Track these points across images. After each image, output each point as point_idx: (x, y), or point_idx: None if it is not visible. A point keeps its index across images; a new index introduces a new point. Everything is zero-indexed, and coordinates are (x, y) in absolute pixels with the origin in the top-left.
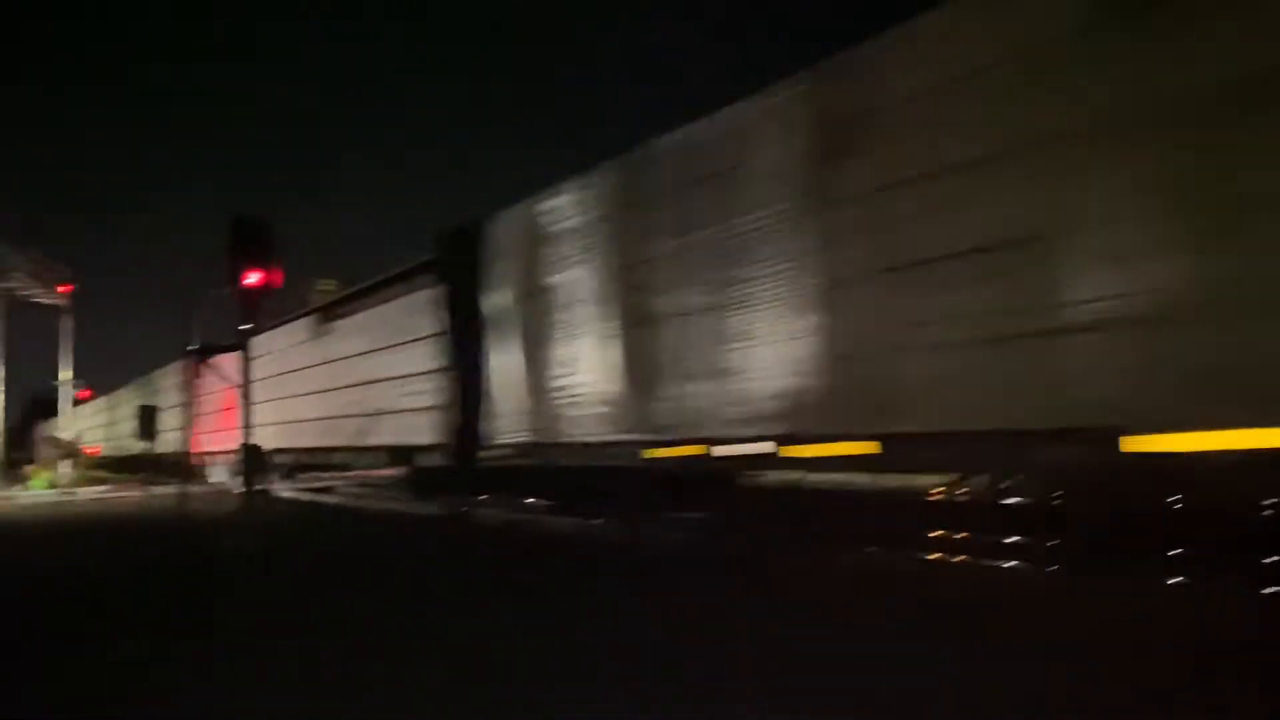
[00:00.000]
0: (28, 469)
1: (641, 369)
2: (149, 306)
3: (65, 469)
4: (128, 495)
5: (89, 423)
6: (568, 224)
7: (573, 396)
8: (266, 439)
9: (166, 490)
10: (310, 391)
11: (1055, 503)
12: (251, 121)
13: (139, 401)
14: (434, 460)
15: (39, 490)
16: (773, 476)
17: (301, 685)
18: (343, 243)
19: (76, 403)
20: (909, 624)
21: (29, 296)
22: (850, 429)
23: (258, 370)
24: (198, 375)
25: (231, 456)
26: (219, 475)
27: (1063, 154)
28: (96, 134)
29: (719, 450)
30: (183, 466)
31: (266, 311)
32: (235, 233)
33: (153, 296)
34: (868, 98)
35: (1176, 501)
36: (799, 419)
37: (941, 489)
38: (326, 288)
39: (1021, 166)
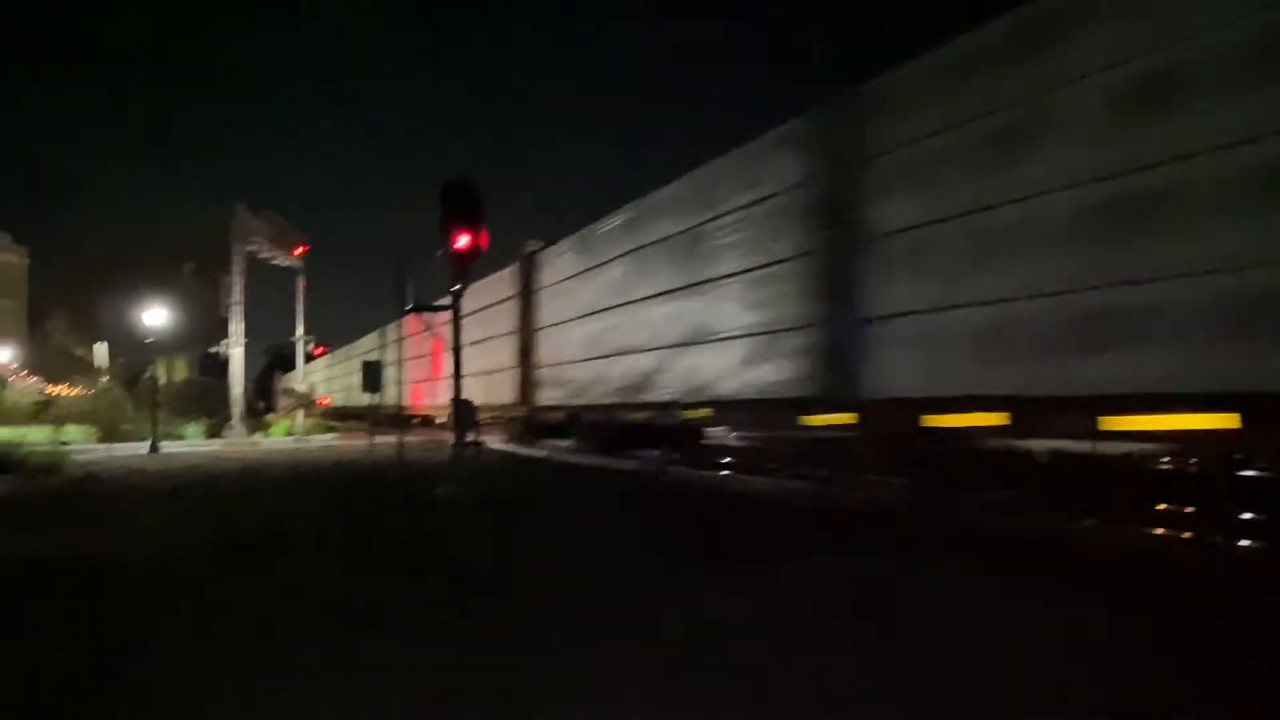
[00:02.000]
0: (269, 418)
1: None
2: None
3: (300, 418)
4: (354, 443)
5: (321, 376)
6: None
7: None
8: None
9: (388, 439)
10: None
11: None
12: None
13: (364, 357)
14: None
15: (278, 437)
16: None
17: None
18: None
19: (310, 357)
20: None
21: (268, 259)
22: None
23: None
24: (414, 332)
25: (444, 409)
26: (435, 426)
27: None
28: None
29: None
30: (401, 418)
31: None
32: (446, 197)
33: (375, 257)
34: None
35: None
36: None
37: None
38: (534, 248)
39: None
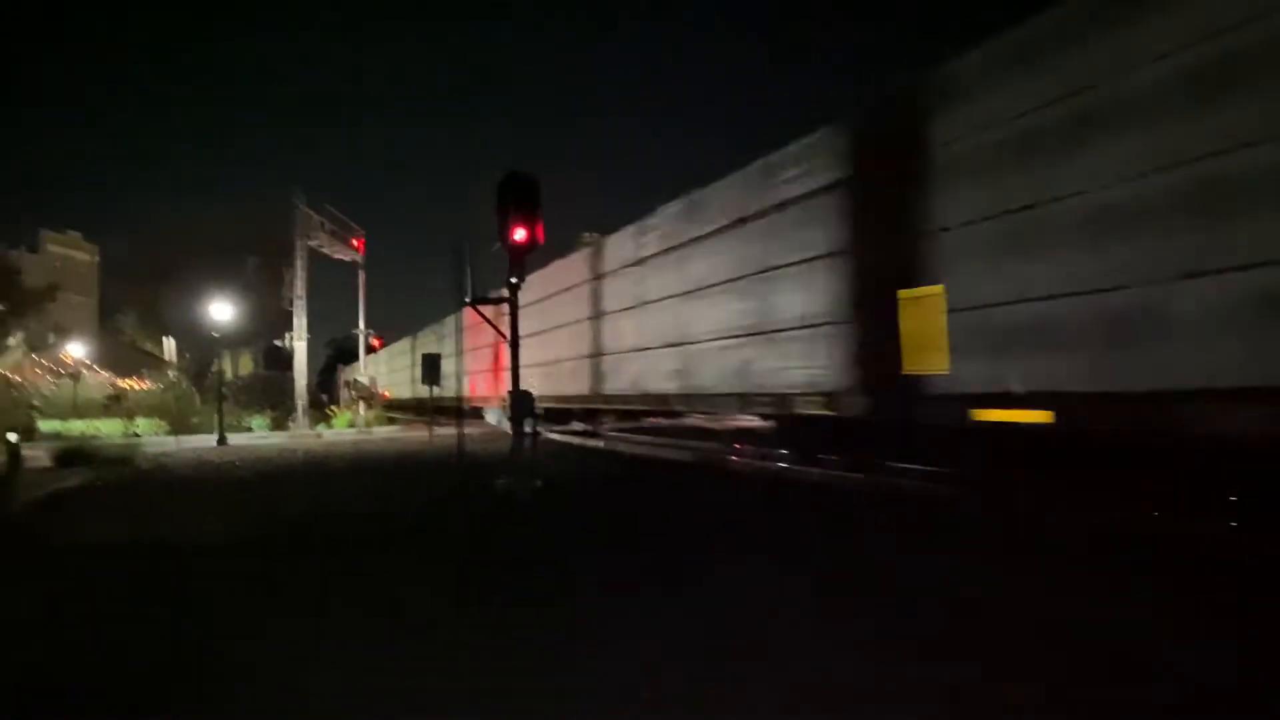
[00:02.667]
0: (331, 410)
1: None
2: (428, 260)
3: (362, 410)
4: (415, 435)
5: (381, 368)
6: None
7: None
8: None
9: (448, 430)
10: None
11: None
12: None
13: (422, 350)
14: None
15: (341, 429)
16: None
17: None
18: (605, 199)
19: (370, 350)
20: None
21: (328, 253)
22: None
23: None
24: (473, 324)
25: (502, 400)
26: (493, 418)
27: None
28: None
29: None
30: (460, 409)
31: (530, 264)
32: (503, 189)
33: (431, 251)
34: None
35: None
36: None
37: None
38: (590, 241)
39: None
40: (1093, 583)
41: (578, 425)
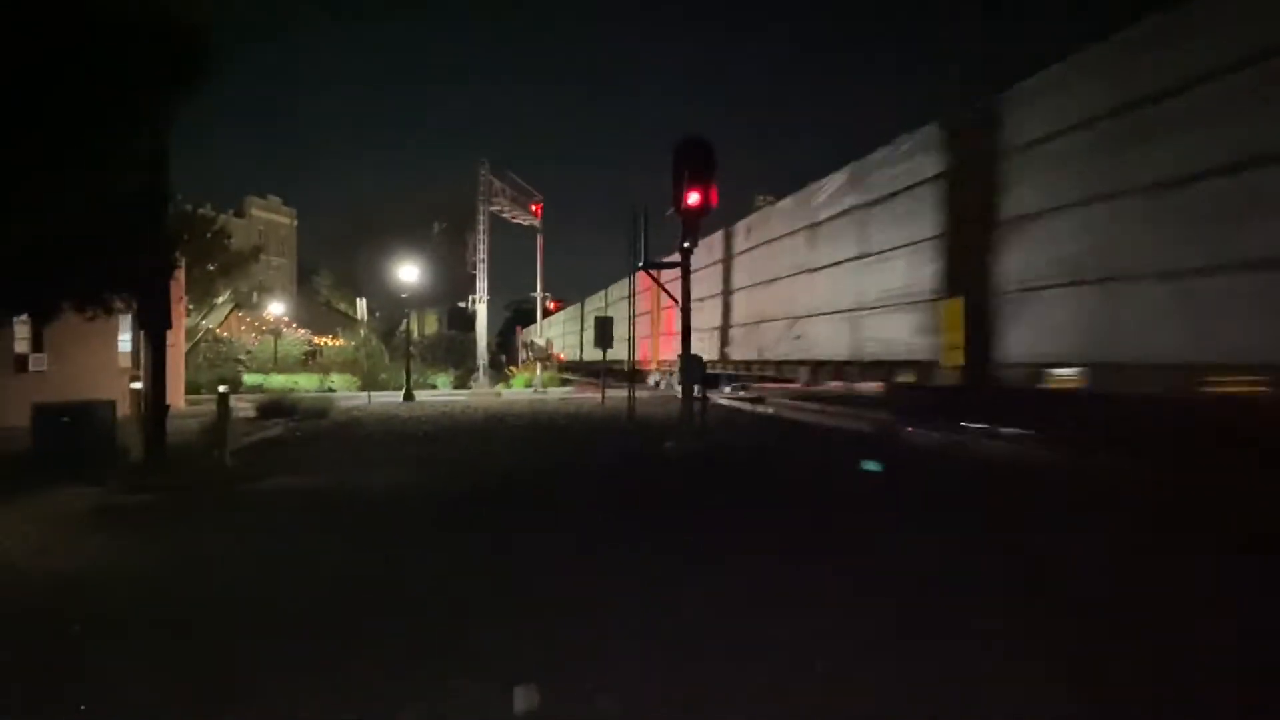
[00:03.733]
0: (510, 370)
1: None
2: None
3: (539, 371)
4: (588, 395)
5: (557, 331)
6: None
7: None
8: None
9: (619, 393)
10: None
11: None
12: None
13: (596, 314)
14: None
15: (519, 388)
16: None
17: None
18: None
19: (546, 313)
20: None
21: (509, 217)
22: None
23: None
24: (646, 288)
25: (673, 364)
26: (664, 381)
27: None
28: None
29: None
30: (632, 372)
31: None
32: (679, 154)
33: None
34: None
35: None
36: None
37: None
38: (765, 203)
39: None
40: None
41: (743, 391)
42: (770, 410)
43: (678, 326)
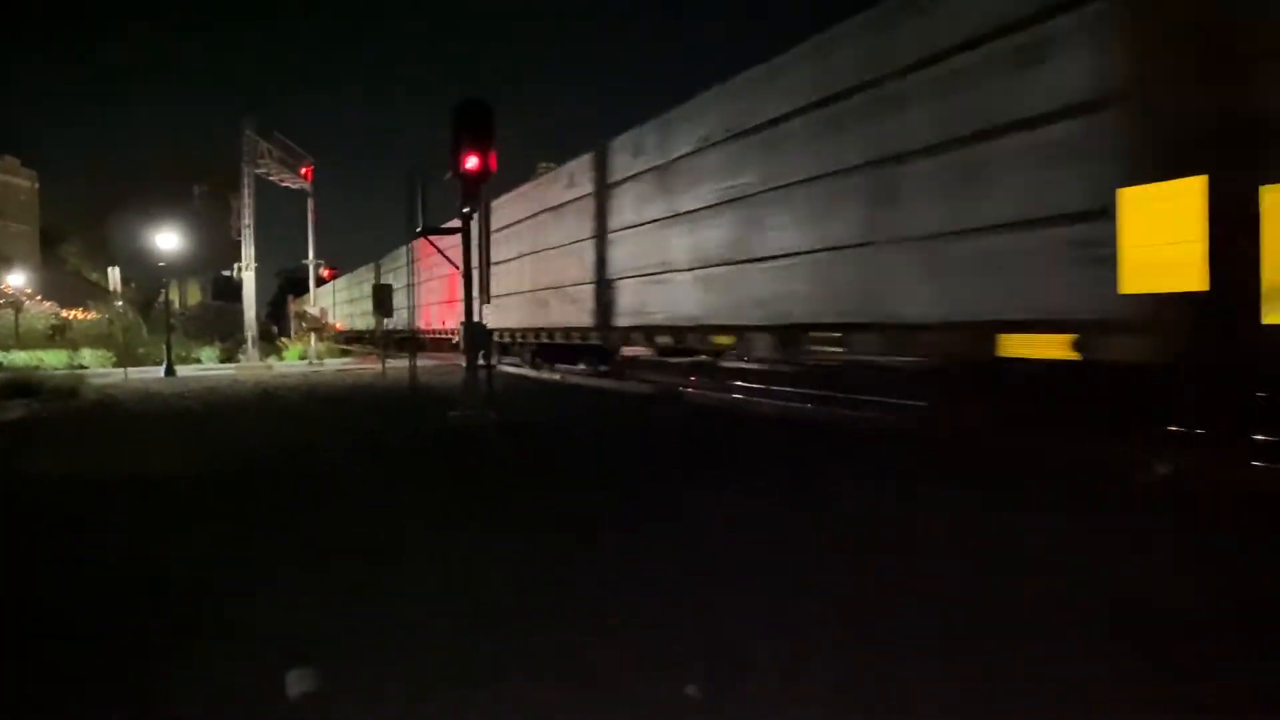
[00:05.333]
0: (282, 341)
1: None
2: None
3: (314, 342)
4: (368, 367)
5: (332, 299)
6: None
7: None
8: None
9: (400, 363)
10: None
11: None
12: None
13: (374, 281)
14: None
15: (292, 361)
16: None
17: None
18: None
19: (320, 281)
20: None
21: (277, 181)
22: None
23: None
24: (424, 255)
25: (456, 333)
26: (448, 350)
27: None
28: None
29: None
30: (413, 341)
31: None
32: (457, 117)
33: (383, 179)
34: None
35: None
36: None
37: None
38: (547, 169)
39: None
40: None
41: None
42: (557, 376)
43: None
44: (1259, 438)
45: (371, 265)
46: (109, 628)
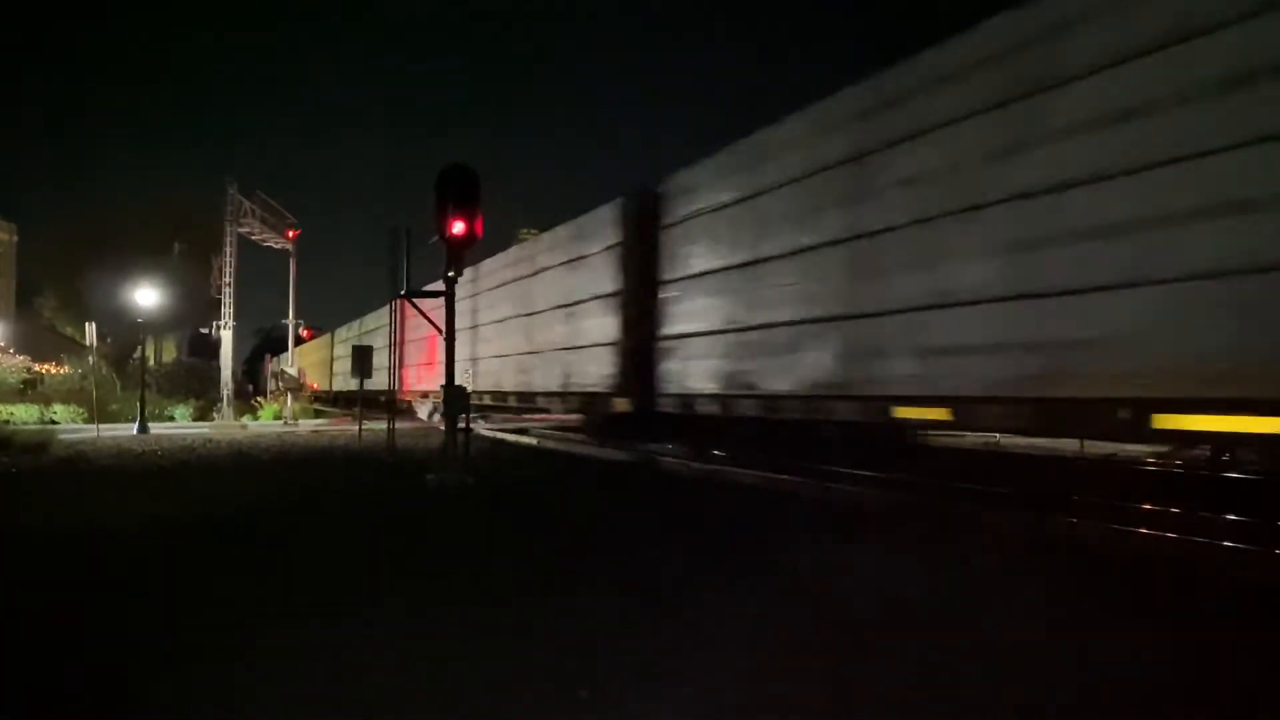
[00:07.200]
0: (258, 400)
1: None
2: (362, 251)
3: (290, 402)
4: (343, 428)
5: (310, 359)
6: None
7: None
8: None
9: (378, 425)
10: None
11: None
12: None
13: (353, 342)
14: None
15: (266, 420)
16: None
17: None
18: (546, 195)
19: (299, 341)
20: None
21: (260, 240)
22: None
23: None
24: (405, 318)
25: (435, 395)
26: (424, 412)
27: None
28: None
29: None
30: (391, 403)
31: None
32: (442, 182)
33: (366, 242)
34: None
35: None
36: None
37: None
38: (528, 236)
39: None
40: None
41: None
42: (534, 441)
43: (442, 356)
44: None
45: (350, 324)
46: None
